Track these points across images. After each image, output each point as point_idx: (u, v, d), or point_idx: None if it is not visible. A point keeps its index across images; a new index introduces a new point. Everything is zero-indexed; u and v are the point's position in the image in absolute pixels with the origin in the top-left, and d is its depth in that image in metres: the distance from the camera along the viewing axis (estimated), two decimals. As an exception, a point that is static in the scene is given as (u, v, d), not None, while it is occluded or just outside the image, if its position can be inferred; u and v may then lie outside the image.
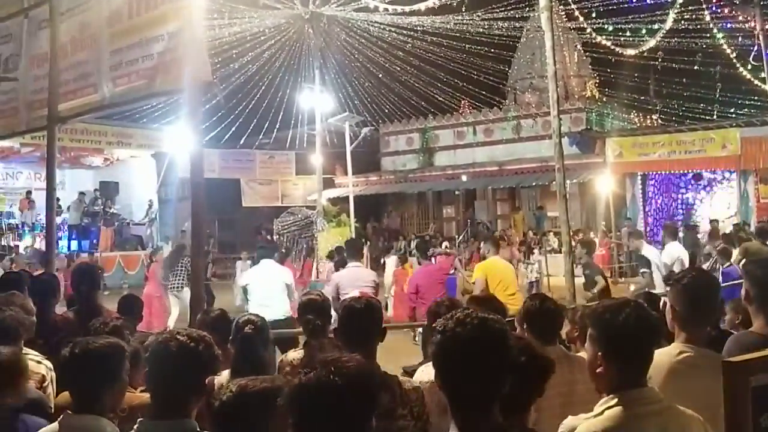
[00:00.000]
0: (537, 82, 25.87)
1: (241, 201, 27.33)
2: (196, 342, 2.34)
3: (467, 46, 21.42)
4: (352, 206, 17.21)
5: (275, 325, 5.65)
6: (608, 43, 18.80)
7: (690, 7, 16.07)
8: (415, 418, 2.96)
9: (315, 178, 20.84)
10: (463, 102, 26.99)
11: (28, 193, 21.78)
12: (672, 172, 21.69)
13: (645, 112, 27.30)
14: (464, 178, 25.94)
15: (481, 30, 19.99)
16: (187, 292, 11.36)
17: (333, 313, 4.56)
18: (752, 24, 16.63)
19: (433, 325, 1.96)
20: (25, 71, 6.76)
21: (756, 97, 20.02)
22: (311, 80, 20.04)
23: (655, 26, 17.41)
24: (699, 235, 16.65)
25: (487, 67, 23.26)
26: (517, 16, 19.34)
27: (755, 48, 16.82)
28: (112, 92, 5.53)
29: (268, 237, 23.93)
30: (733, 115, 21.49)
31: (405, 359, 6.49)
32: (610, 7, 17.44)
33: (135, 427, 2.32)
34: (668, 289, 2.88)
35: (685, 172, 21.81)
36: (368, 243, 21.31)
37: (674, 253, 9.54)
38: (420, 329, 7.55)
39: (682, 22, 16.82)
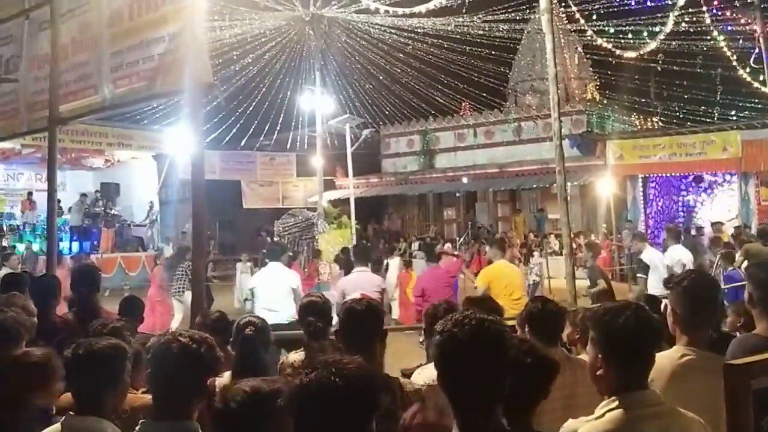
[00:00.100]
0: (538, 85, 25.89)
1: (241, 202, 27.33)
2: (198, 343, 2.35)
3: (468, 48, 21.44)
4: (353, 208, 17.21)
5: (280, 329, 5.64)
6: (609, 46, 18.81)
7: (690, 10, 16.07)
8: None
9: (316, 179, 20.83)
10: (463, 104, 27.01)
11: (29, 194, 21.79)
12: (673, 174, 21.68)
13: (646, 115, 27.30)
14: (465, 180, 25.94)
15: (481, 32, 19.99)
16: (188, 296, 11.39)
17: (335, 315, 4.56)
18: (753, 26, 16.63)
19: (434, 327, 1.97)
20: (26, 72, 6.76)
21: (757, 100, 20.02)
22: (312, 82, 20.05)
23: (656, 29, 17.42)
24: (703, 237, 16.59)
25: (488, 69, 23.27)
26: (517, 18, 19.35)
27: (756, 50, 16.82)
28: (112, 93, 5.53)
29: (268, 239, 23.99)
30: (734, 118, 21.48)
31: (410, 362, 6.47)
32: (611, 10, 17.45)
33: (137, 428, 2.32)
34: (669, 291, 2.88)
35: (686, 174, 21.79)
36: (369, 245, 21.30)
37: (676, 256, 9.55)
38: None
39: (683, 24, 16.82)
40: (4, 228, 20.70)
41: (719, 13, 16.70)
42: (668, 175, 21.74)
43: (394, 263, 13.91)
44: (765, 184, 19.56)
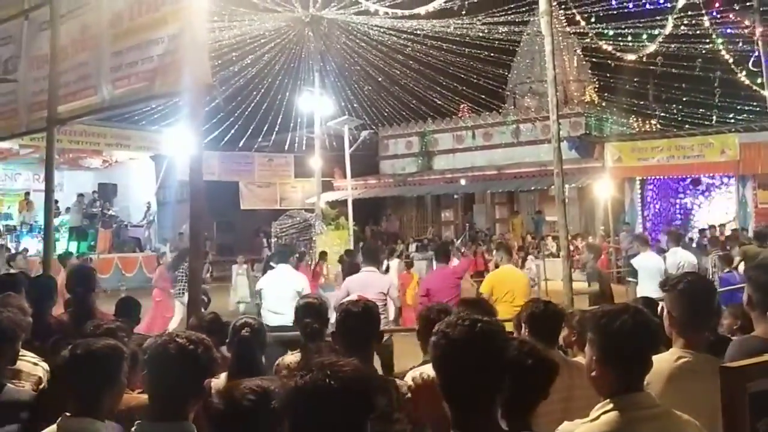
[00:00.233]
0: (536, 87, 25.91)
1: (239, 204, 27.33)
2: (195, 344, 2.35)
3: (467, 50, 21.48)
4: (350, 209, 17.24)
5: (285, 331, 5.63)
6: (608, 48, 18.83)
7: (689, 13, 16.09)
8: (412, 421, 2.96)
9: (314, 181, 20.85)
10: (462, 106, 27.05)
11: (27, 194, 21.77)
12: (670, 177, 21.72)
13: (644, 117, 27.34)
14: (463, 181, 25.95)
15: (480, 34, 20.02)
16: (179, 301, 11.41)
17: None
18: (751, 30, 16.65)
19: (428, 328, 1.98)
20: (25, 73, 6.75)
21: (755, 103, 20.02)
22: (311, 83, 20.07)
23: (655, 31, 17.44)
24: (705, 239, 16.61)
25: (487, 71, 23.33)
26: (516, 20, 19.38)
27: (754, 54, 16.84)
28: (111, 94, 5.52)
29: (265, 240, 23.99)
30: (732, 121, 21.51)
31: (408, 363, 6.46)
32: (610, 12, 17.46)
33: (133, 429, 2.31)
34: (665, 294, 2.88)
35: (684, 177, 21.84)
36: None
37: (676, 260, 9.56)
38: None
39: (682, 27, 16.84)
40: (1, 228, 20.67)
41: (718, 16, 16.73)
42: (666, 177, 21.78)
43: (394, 265, 13.92)
44: (762, 187, 19.59)
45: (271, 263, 14.21)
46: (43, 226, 8.35)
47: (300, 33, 20.59)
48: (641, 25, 17.87)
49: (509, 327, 3.53)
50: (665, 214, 22.61)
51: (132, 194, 24.41)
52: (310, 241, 15.85)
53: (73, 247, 20.46)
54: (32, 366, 3.41)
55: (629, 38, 18.59)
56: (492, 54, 22.23)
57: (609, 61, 21.28)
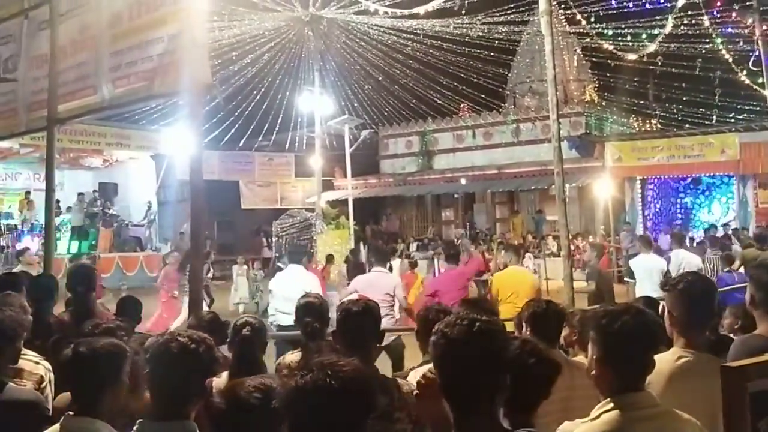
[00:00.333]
0: (536, 86, 25.90)
1: (239, 203, 27.33)
2: (196, 343, 2.34)
3: (467, 49, 21.48)
4: (351, 209, 17.23)
5: (293, 330, 5.64)
6: (608, 48, 18.83)
7: (689, 12, 16.09)
8: (412, 421, 2.96)
9: (314, 180, 20.85)
10: (462, 105, 27.04)
11: (27, 193, 21.77)
12: (671, 176, 21.72)
13: (644, 117, 27.33)
14: (463, 181, 25.95)
15: (480, 34, 20.02)
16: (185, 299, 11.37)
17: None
18: (751, 29, 16.65)
19: (427, 329, 1.99)
20: (25, 72, 6.75)
21: (755, 102, 20.03)
22: (311, 83, 20.07)
23: (655, 31, 17.44)
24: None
25: (487, 70, 23.34)
26: (516, 20, 19.38)
27: (754, 53, 16.83)
28: (111, 94, 5.52)
29: (265, 240, 24.00)
30: (732, 120, 21.51)
31: (411, 363, 6.48)
32: (610, 12, 17.46)
33: (135, 428, 2.31)
34: (666, 294, 2.88)
35: (684, 176, 21.84)
36: (367, 246, 21.33)
37: (678, 261, 9.57)
38: None
39: (682, 27, 16.83)
40: (2, 227, 20.67)
41: (718, 15, 16.72)
42: (666, 177, 21.78)
43: (396, 264, 13.89)
44: (763, 187, 19.59)
45: (279, 264, 14.31)
46: (43, 226, 8.36)
47: (300, 32, 20.58)
48: (641, 24, 17.88)
49: (510, 327, 3.54)
50: (666, 214, 22.61)
51: (132, 193, 24.41)
52: (310, 240, 15.84)
53: (74, 246, 20.49)
54: (34, 365, 3.41)
55: (629, 38, 18.59)
56: (492, 53, 22.25)
57: (609, 61, 21.32)
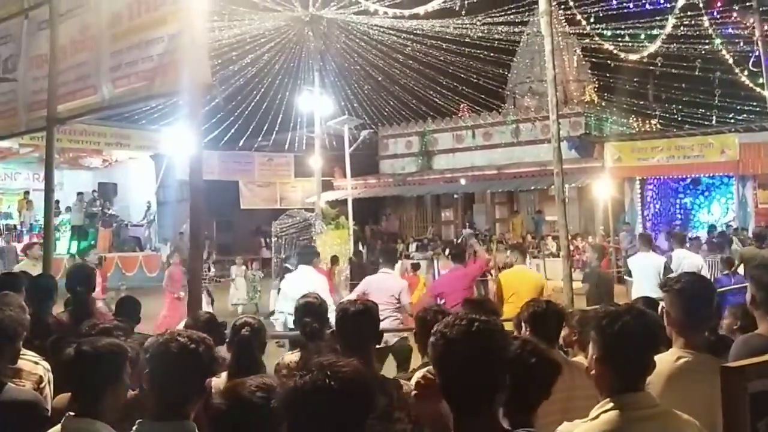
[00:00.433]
0: (536, 87, 25.91)
1: (239, 203, 27.33)
2: (196, 343, 2.34)
3: (467, 49, 21.48)
4: (350, 209, 17.24)
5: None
6: (608, 48, 18.82)
7: (689, 13, 16.09)
8: (412, 421, 2.96)
9: (314, 180, 20.83)
10: (462, 105, 27.04)
11: (26, 193, 21.77)
12: (670, 177, 21.73)
13: (644, 117, 27.33)
14: (463, 181, 25.95)
15: (480, 34, 20.02)
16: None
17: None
18: (751, 30, 16.65)
19: (425, 330, 1.99)
20: (25, 72, 6.75)
21: (754, 103, 20.02)
22: (311, 83, 20.06)
23: (655, 31, 17.44)
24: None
25: (487, 71, 23.34)
26: (516, 20, 19.37)
27: (754, 54, 16.83)
28: (111, 93, 5.52)
29: (264, 240, 23.99)
30: (732, 121, 21.51)
31: (413, 364, 6.50)
32: (610, 12, 17.46)
33: (134, 428, 2.31)
34: (665, 294, 2.88)
35: (684, 177, 21.85)
36: (366, 246, 21.34)
37: (678, 261, 9.59)
38: None
39: (682, 27, 16.84)
40: (1, 227, 20.67)
41: (718, 16, 16.72)
42: (666, 177, 21.78)
43: (397, 266, 13.87)
44: (762, 187, 19.60)
45: (287, 264, 14.32)
46: (42, 225, 8.35)
47: (300, 32, 20.57)
48: (641, 25, 17.87)
49: (509, 326, 3.54)
50: (665, 214, 22.62)
51: (132, 193, 24.42)
52: (310, 240, 15.83)
53: (74, 246, 20.49)
54: (33, 365, 3.40)
55: (629, 38, 18.58)
56: (492, 54, 22.25)
57: (609, 61, 21.30)
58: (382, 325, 6.91)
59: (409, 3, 16.02)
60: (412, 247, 24.28)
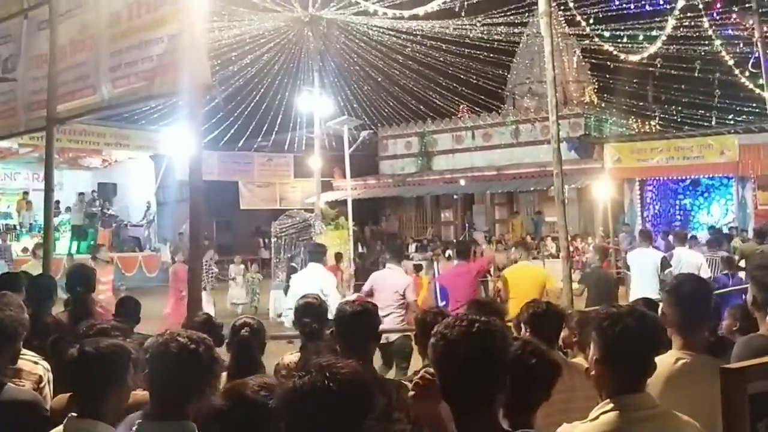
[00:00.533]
0: (536, 87, 25.90)
1: (239, 203, 27.33)
2: (196, 343, 2.34)
3: (466, 50, 21.48)
4: (350, 209, 17.20)
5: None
6: (608, 49, 18.83)
7: (689, 14, 16.10)
8: (411, 421, 2.96)
9: (313, 181, 20.82)
10: (461, 106, 27.04)
11: (25, 193, 21.75)
12: (670, 178, 21.74)
13: (643, 118, 27.35)
14: (462, 182, 25.95)
15: (480, 35, 20.02)
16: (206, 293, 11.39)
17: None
18: (751, 31, 16.66)
19: (425, 331, 1.99)
20: (24, 72, 6.75)
21: (754, 104, 20.03)
22: (310, 83, 20.05)
23: (654, 33, 17.44)
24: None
25: (486, 71, 23.33)
26: (516, 21, 19.38)
27: (754, 55, 16.84)
28: (111, 94, 5.52)
29: (263, 241, 24.00)
30: (732, 122, 21.53)
31: (415, 365, 6.49)
32: (610, 13, 17.47)
33: (134, 428, 2.31)
34: (664, 295, 2.89)
35: (683, 178, 21.86)
36: (366, 246, 21.35)
37: (677, 260, 9.60)
38: None
39: (681, 28, 16.85)
40: (1, 227, 20.65)
41: (718, 17, 16.73)
42: (665, 178, 21.79)
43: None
44: (762, 188, 19.61)
45: (293, 264, 14.32)
46: (42, 226, 8.35)
47: (299, 33, 20.57)
48: (641, 26, 17.88)
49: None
50: (665, 215, 22.63)
51: (131, 194, 24.41)
52: (309, 241, 15.83)
53: (74, 246, 20.48)
54: (33, 365, 3.40)
55: (629, 39, 18.59)
56: (491, 55, 22.24)
57: (608, 62, 21.31)
58: (385, 321, 6.97)
59: (409, 4, 16.04)
60: (412, 247, 24.26)
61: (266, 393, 2.14)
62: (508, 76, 27.56)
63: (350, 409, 1.69)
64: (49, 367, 3.43)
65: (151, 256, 21.98)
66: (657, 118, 26.91)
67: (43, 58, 6.35)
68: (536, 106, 25.20)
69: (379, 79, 23.17)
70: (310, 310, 4.14)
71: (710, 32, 16.82)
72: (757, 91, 17.38)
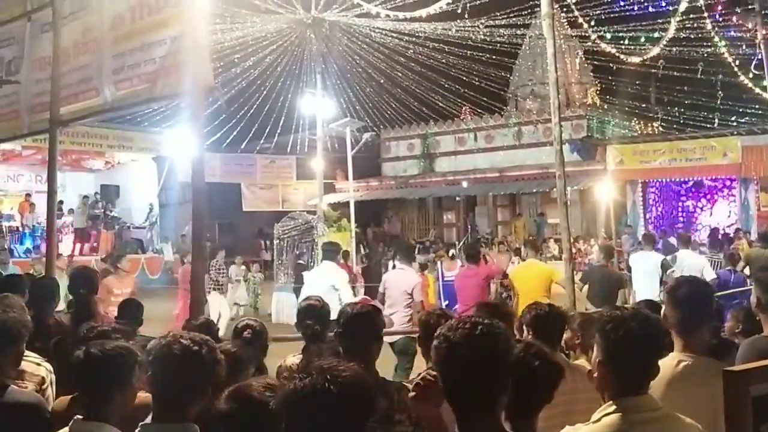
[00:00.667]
0: (538, 89, 25.89)
1: (241, 205, 27.35)
2: (199, 345, 2.34)
3: (469, 52, 21.47)
4: (352, 211, 17.20)
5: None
6: (611, 50, 18.82)
7: (692, 16, 16.08)
8: (413, 423, 2.96)
9: (316, 182, 20.82)
10: (464, 108, 27.03)
11: (28, 195, 21.78)
12: (673, 179, 21.70)
13: (646, 120, 27.32)
14: (465, 184, 25.94)
15: (482, 37, 20.01)
16: (214, 295, 11.42)
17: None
18: (754, 32, 16.64)
19: (428, 333, 1.99)
20: (28, 74, 6.76)
21: (757, 106, 20.04)
22: (313, 85, 20.06)
23: (657, 34, 17.43)
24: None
25: (489, 73, 23.32)
26: (518, 23, 19.37)
27: (756, 56, 16.83)
28: (113, 96, 5.53)
29: (264, 242, 23.99)
30: (734, 124, 21.49)
31: (420, 366, 6.48)
32: (612, 15, 17.46)
33: (136, 430, 2.30)
34: (665, 297, 2.89)
35: (686, 179, 21.82)
36: (368, 248, 21.32)
37: (681, 263, 9.60)
38: None
39: (684, 30, 16.83)
40: (4, 229, 20.66)
41: (720, 19, 16.72)
42: (668, 180, 21.76)
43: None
44: (765, 190, 19.58)
45: (300, 261, 14.34)
46: (45, 228, 8.35)
47: (302, 35, 20.58)
48: (643, 27, 17.87)
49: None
50: (667, 217, 22.59)
51: (134, 196, 24.43)
52: (312, 243, 15.83)
53: (77, 248, 20.50)
54: (35, 366, 3.41)
55: (631, 41, 18.58)
56: (494, 56, 22.25)
57: (611, 64, 21.29)
58: (392, 318, 6.96)
59: (412, 6, 16.03)
60: (419, 247, 24.24)
61: (271, 394, 2.14)
62: (511, 78, 27.55)
63: (351, 411, 1.69)
64: (51, 369, 3.43)
65: (153, 258, 21.98)
66: (659, 120, 26.88)
67: (46, 61, 6.37)
68: (539, 107, 25.18)
69: (382, 81, 23.20)
70: (312, 312, 4.14)
71: (713, 34, 16.80)
72: (760, 92, 17.38)
